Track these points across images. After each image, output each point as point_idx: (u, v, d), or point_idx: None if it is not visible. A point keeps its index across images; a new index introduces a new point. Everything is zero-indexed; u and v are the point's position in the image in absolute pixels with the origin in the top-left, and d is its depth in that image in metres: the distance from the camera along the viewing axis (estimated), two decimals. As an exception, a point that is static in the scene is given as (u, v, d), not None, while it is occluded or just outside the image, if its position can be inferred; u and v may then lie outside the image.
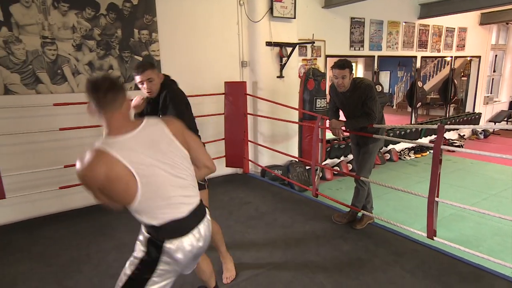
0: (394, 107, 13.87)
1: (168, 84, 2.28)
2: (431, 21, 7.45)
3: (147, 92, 2.19)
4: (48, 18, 3.37)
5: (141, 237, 1.44)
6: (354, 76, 2.90)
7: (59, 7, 3.41)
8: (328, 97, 5.27)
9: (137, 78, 2.17)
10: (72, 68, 3.57)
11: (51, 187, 3.47)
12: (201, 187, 2.08)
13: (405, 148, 7.44)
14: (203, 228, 1.46)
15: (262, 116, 4.72)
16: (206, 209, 1.55)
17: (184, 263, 1.44)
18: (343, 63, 2.81)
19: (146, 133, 1.34)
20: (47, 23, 3.37)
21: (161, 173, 1.32)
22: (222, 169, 4.70)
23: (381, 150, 6.82)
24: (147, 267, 1.39)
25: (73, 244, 2.97)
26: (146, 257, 1.39)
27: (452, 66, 8.54)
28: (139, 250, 1.42)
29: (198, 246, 1.44)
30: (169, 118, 1.48)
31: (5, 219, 3.42)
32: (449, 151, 6.80)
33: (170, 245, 1.36)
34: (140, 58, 3.97)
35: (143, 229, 1.44)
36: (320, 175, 3.71)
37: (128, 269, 1.42)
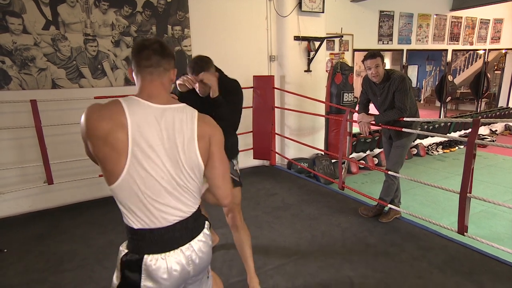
0: (422, 101, 13.51)
1: (224, 79, 2.03)
2: (464, 13, 7.19)
3: (201, 93, 1.95)
4: (90, 16, 3.58)
5: (118, 258, 1.15)
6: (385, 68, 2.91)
7: (100, 5, 3.61)
8: (355, 91, 5.28)
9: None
10: (111, 63, 3.78)
11: (92, 174, 3.72)
12: (236, 184, 2.05)
13: (433, 143, 7.29)
14: (198, 245, 1.18)
15: (289, 110, 4.79)
16: (206, 223, 1.26)
17: (172, 285, 1.13)
18: (374, 53, 2.83)
19: (171, 116, 1.10)
20: (89, 21, 3.58)
21: (160, 166, 1.07)
22: (249, 161, 4.84)
23: (408, 145, 6.72)
24: None
25: (111, 228, 3.18)
26: (123, 283, 1.12)
27: (486, 59, 8.23)
28: (114, 277, 1.16)
29: (191, 267, 1.15)
30: (206, 116, 1.20)
31: (53, 203, 3.72)
32: (481, 146, 6.62)
33: (150, 262, 1.09)
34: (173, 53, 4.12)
35: (122, 244, 1.18)
36: (347, 169, 3.75)
37: None
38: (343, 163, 3.63)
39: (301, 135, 5.07)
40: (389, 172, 3.05)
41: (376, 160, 6.16)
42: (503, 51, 8.76)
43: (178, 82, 1.88)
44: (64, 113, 3.57)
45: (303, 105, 4.73)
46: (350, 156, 5.82)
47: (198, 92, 1.92)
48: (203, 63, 1.88)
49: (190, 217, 1.16)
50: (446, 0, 6.89)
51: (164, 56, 1.11)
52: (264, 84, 4.59)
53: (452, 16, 7.09)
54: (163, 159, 1.07)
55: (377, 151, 6.34)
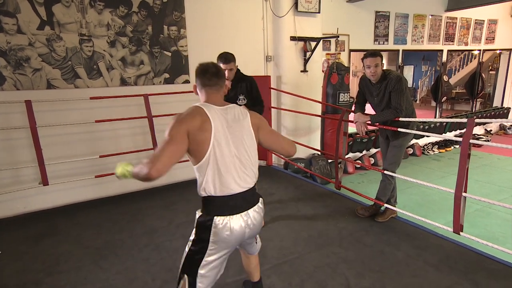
0: (418, 101, 13.59)
1: (239, 72, 2.81)
2: (459, 14, 7.25)
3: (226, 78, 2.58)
4: (85, 16, 3.56)
5: (196, 220, 1.58)
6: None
7: (95, 5, 3.59)
8: (351, 91, 5.30)
9: (222, 66, 2.56)
10: (106, 63, 3.76)
11: (87, 175, 3.70)
12: None
13: (429, 143, 7.33)
14: (253, 213, 1.58)
15: (285, 110, 4.80)
16: (260, 198, 1.67)
17: (232, 243, 1.55)
18: (375, 52, 2.85)
19: (232, 112, 1.56)
20: (85, 21, 3.57)
21: (228, 149, 1.49)
22: (245, 161, 4.83)
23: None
24: (198, 248, 1.53)
25: (107, 229, 3.17)
26: (197, 239, 1.54)
27: (480, 59, 8.29)
28: (192, 233, 1.58)
29: (247, 229, 1.55)
30: (253, 112, 1.67)
31: (48, 204, 3.69)
32: (476, 145, 6.67)
33: (218, 221, 1.49)
34: (169, 54, 4.12)
35: (198, 210, 1.59)
36: (343, 169, 3.76)
37: (186, 248, 1.58)
38: (340, 163, 3.64)
39: (298, 135, 5.08)
40: (386, 172, 3.07)
41: (372, 160, 6.19)
42: (498, 51, 8.83)
43: None
44: (59, 113, 3.55)
45: (299, 105, 4.74)
46: (347, 156, 5.86)
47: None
48: (231, 55, 2.64)
49: (248, 191, 1.56)
50: (441, 0, 6.94)
51: (220, 77, 1.59)
52: (260, 85, 4.57)
53: (447, 17, 7.14)
54: (231, 142, 1.50)
55: (373, 151, 6.37)
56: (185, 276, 1.54)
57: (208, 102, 1.55)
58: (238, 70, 2.82)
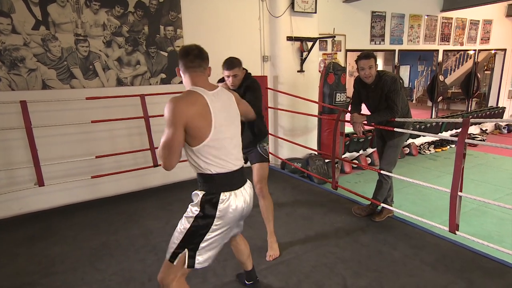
0: (414, 101, 13.66)
1: (248, 77, 2.60)
2: (455, 14, 7.29)
3: (231, 85, 2.48)
4: (81, 16, 3.54)
5: (194, 199, 1.63)
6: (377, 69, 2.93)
7: (91, 5, 3.58)
8: (348, 91, 5.31)
9: (225, 72, 2.45)
10: (102, 63, 3.75)
11: (84, 176, 3.68)
12: (264, 160, 2.64)
13: (425, 143, 7.36)
14: (247, 190, 1.71)
15: (282, 110, 4.80)
16: (248, 180, 1.77)
17: (235, 217, 1.65)
18: (368, 53, 2.85)
19: (223, 96, 1.65)
20: (80, 21, 3.55)
21: (227, 130, 1.60)
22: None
23: (400, 145, 6.78)
24: (205, 223, 1.59)
25: (103, 230, 3.16)
26: (202, 215, 1.59)
27: (476, 59, 8.34)
28: (193, 211, 1.61)
29: (245, 205, 1.67)
30: (232, 91, 1.82)
31: (44, 205, 3.67)
32: (471, 145, 6.71)
33: (224, 197, 1.59)
34: (166, 54, 4.11)
35: (197, 191, 1.64)
36: (340, 168, 3.77)
37: (185, 225, 1.60)
38: (336, 163, 3.64)
39: (294, 135, 5.08)
40: (382, 172, 3.08)
41: (369, 160, 6.21)
42: (493, 51, 8.89)
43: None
44: (55, 114, 3.53)
45: (296, 105, 4.75)
46: (343, 156, 5.86)
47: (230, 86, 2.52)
48: (236, 60, 2.46)
49: (242, 168, 1.70)
50: (436, 1, 6.97)
51: (203, 59, 1.61)
52: (257, 85, 4.58)
53: (443, 17, 7.17)
54: (227, 124, 1.61)
55: (370, 150, 6.38)
56: (185, 250, 1.59)
57: (198, 86, 1.58)
58: (248, 75, 2.58)
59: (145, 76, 4.03)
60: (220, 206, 1.58)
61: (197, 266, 1.60)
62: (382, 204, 3.17)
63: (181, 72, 1.63)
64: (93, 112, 3.71)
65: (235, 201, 1.61)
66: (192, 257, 1.59)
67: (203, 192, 1.61)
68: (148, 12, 3.92)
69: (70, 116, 3.60)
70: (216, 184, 1.60)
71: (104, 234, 3.07)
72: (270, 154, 4.91)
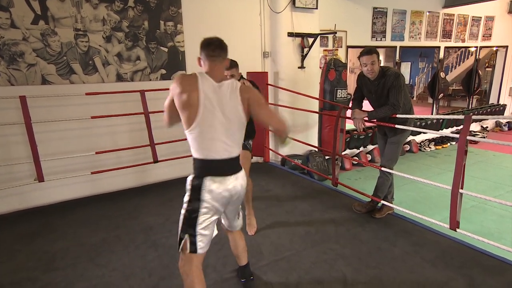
0: (415, 98, 13.64)
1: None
2: (457, 10, 7.25)
3: None
4: (80, 11, 3.51)
5: (187, 184, 1.71)
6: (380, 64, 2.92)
7: (91, 0, 3.55)
8: (349, 88, 5.29)
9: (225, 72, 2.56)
10: (102, 59, 3.73)
11: (84, 172, 3.68)
12: (245, 148, 2.66)
13: (425, 140, 7.36)
14: (238, 179, 1.74)
15: (283, 106, 4.78)
16: (242, 170, 1.80)
17: (222, 202, 1.71)
18: (370, 49, 2.84)
19: (225, 89, 1.67)
20: (80, 16, 3.52)
21: (217, 117, 1.63)
22: (243, 158, 4.82)
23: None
24: (192, 208, 1.67)
25: (103, 225, 3.15)
26: (191, 199, 1.68)
27: (477, 56, 8.31)
28: (185, 197, 1.71)
29: (232, 192, 1.71)
30: (247, 86, 1.75)
31: (44, 200, 3.67)
32: (472, 142, 6.69)
33: (209, 181, 1.65)
34: (166, 49, 4.08)
35: (189, 176, 1.73)
36: (340, 165, 3.76)
37: (182, 211, 1.70)
38: (337, 159, 3.64)
39: (295, 131, 5.06)
40: (383, 169, 3.07)
41: (369, 157, 6.20)
42: (494, 48, 8.86)
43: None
44: (55, 109, 3.52)
45: (296, 101, 4.73)
46: (344, 153, 5.86)
47: None
48: (233, 62, 2.61)
49: (232, 158, 1.71)
50: (438, -3, 6.93)
51: (223, 50, 1.70)
52: (257, 81, 4.54)
53: (445, 13, 7.13)
54: (220, 113, 1.63)
55: (370, 147, 6.38)
56: (186, 235, 1.66)
57: (208, 74, 1.66)
58: (241, 77, 2.78)
59: (145, 72, 4.01)
60: (204, 190, 1.65)
61: (199, 251, 1.67)
62: (382, 201, 3.16)
63: (201, 61, 1.71)
64: (93, 108, 3.70)
65: (218, 187, 1.66)
66: (193, 243, 1.66)
67: (192, 176, 1.71)
68: (148, 7, 3.89)
69: (69, 112, 3.59)
70: (201, 169, 1.68)
71: (104, 230, 3.06)
72: (270, 151, 4.94)
